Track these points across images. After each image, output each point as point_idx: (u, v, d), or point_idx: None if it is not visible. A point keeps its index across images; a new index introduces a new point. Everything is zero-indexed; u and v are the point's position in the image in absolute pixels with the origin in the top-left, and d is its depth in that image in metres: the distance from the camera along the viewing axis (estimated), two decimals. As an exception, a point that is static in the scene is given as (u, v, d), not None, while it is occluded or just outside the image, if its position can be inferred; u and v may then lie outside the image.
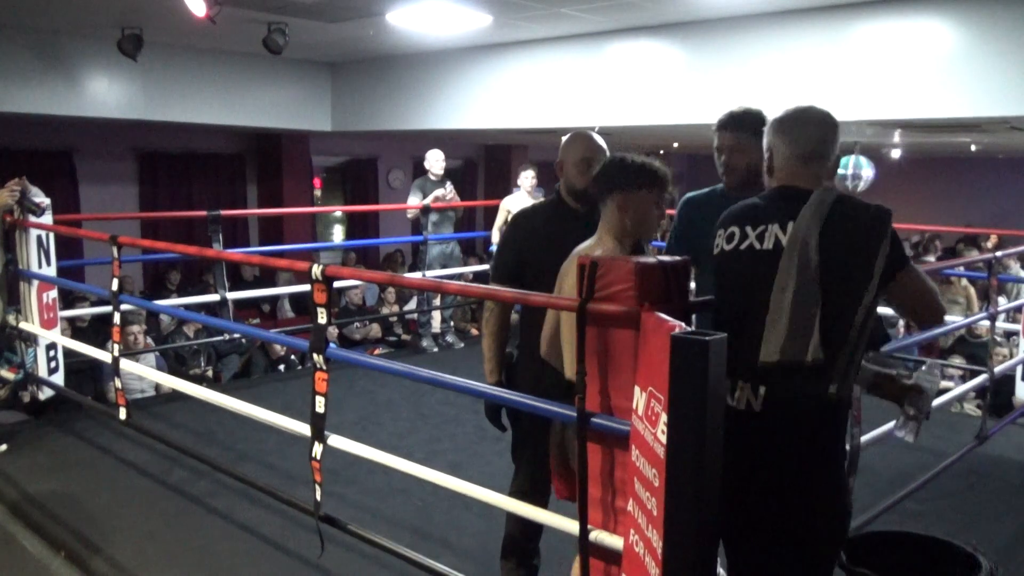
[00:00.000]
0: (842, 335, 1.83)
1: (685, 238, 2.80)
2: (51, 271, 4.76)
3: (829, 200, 1.89)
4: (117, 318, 4.03)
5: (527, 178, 6.72)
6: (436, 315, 7.21)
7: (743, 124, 2.64)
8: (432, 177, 6.82)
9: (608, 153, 2.78)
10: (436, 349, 6.97)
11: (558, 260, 2.51)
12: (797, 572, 1.94)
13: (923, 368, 2.21)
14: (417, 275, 6.74)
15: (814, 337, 1.80)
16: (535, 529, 2.84)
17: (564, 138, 2.85)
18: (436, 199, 6.72)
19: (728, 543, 1.99)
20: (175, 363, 6.76)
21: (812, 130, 2.01)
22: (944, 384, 6.56)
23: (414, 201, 6.77)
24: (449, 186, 6.84)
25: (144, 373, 4.84)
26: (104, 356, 4.30)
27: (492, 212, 11.53)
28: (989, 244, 10.00)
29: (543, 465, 2.78)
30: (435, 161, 6.84)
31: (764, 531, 1.92)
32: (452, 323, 7.50)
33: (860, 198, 1.95)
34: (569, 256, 2.41)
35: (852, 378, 1.88)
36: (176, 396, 4.93)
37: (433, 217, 6.82)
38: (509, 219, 2.96)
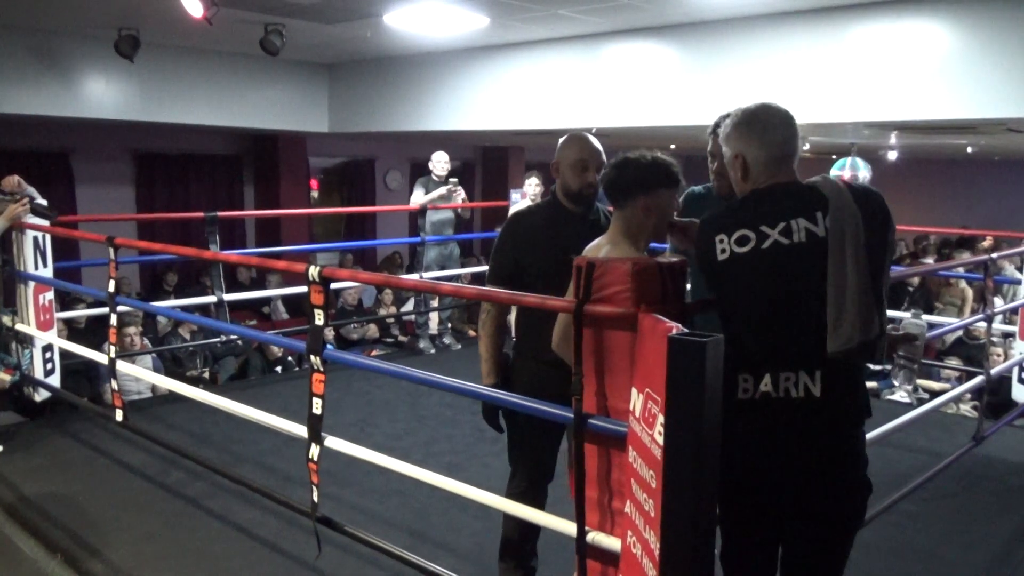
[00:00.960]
0: (883, 308, 1.93)
1: None
2: (47, 272, 4.75)
3: (841, 186, 1.96)
4: (114, 319, 4.03)
5: (531, 185, 6.60)
6: (433, 316, 7.21)
7: None
8: (435, 178, 6.83)
9: (603, 155, 2.78)
10: (433, 350, 6.97)
11: (556, 261, 2.50)
12: (832, 547, 2.03)
13: (908, 317, 2.24)
14: (415, 276, 6.73)
15: (876, 314, 1.90)
16: (532, 530, 2.84)
17: (560, 140, 2.85)
18: (442, 197, 6.73)
19: (764, 527, 2.02)
20: (172, 365, 6.75)
21: (783, 131, 2.05)
22: (941, 385, 6.58)
23: (418, 193, 6.76)
24: (458, 187, 6.83)
25: (140, 375, 4.83)
26: (100, 358, 4.30)
27: (489, 214, 11.58)
28: (985, 245, 10.02)
29: (539, 466, 2.78)
30: (438, 162, 6.85)
31: (816, 510, 1.98)
32: (449, 324, 7.49)
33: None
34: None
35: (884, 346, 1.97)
36: (173, 397, 4.92)
37: (434, 217, 6.82)
38: (502, 229, 2.93)
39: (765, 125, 2.04)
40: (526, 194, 6.65)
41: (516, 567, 2.89)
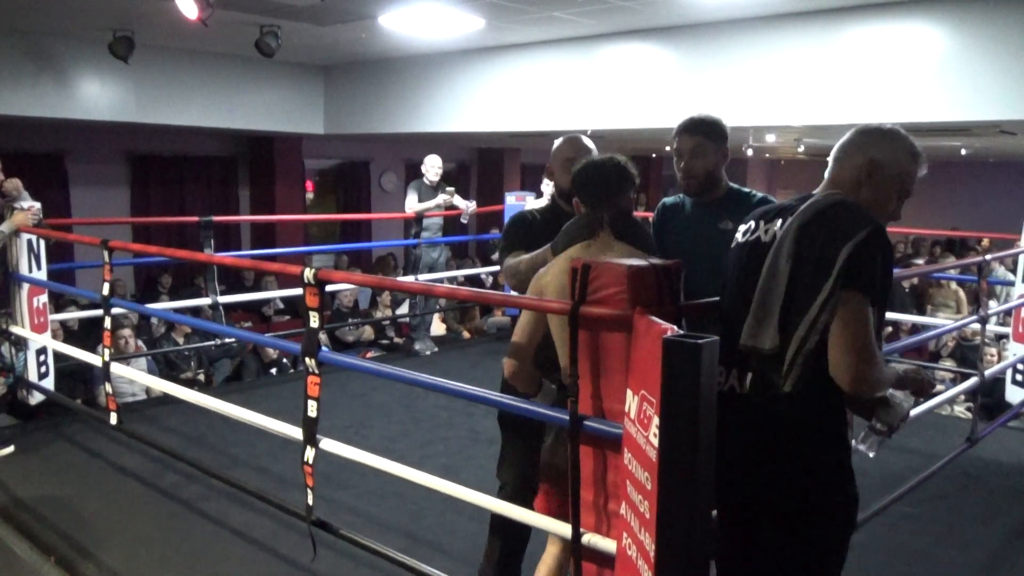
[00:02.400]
0: (794, 327, 1.85)
1: (659, 244, 2.74)
2: (41, 275, 4.74)
3: (827, 202, 1.94)
4: (108, 322, 4.01)
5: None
6: (430, 318, 7.23)
7: (703, 129, 2.64)
8: (427, 182, 6.85)
9: (594, 152, 2.78)
10: (428, 352, 6.97)
11: None
12: (808, 555, 1.94)
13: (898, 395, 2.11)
14: (410, 279, 6.75)
15: (772, 326, 1.87)
16: (519, 545, 2.85)
17: (555, 142, 2.86)
18: (438, 206, 6.77)
19: (729, 528, 2.02)
20: (166, 368, 6.73)
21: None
22: (935, 387, 6.60)
23: (412, 199, 6.79)
24: (458, 199, 6.88)
25: (135, 377, 4.82)
26: (95, 360, 4.28)
27: (484, 217, 11.57)
28: (983, 245, 10.07)
29: (527, 479, 2.75)
30: (431, 167, 6.87)
31: (758, 516, 1.94)
32: (445, 326, 7.51)
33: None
34: (550, 263, 2.39)
35: (805, 373, 1.85)
36: (167, 400, 4.90)
37: (426, 222, 6.86)
38: (507, 221, 2.96)
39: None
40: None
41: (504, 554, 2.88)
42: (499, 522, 2.84)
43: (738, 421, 1.94)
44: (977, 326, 4.40)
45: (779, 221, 1.96)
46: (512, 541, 2.86)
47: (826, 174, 2.06)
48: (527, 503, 2.72)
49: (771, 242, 1.94)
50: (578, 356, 2.04)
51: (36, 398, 4.79)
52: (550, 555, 2.46)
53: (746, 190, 2.74)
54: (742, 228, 2.06)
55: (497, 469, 2.87)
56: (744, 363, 1.95)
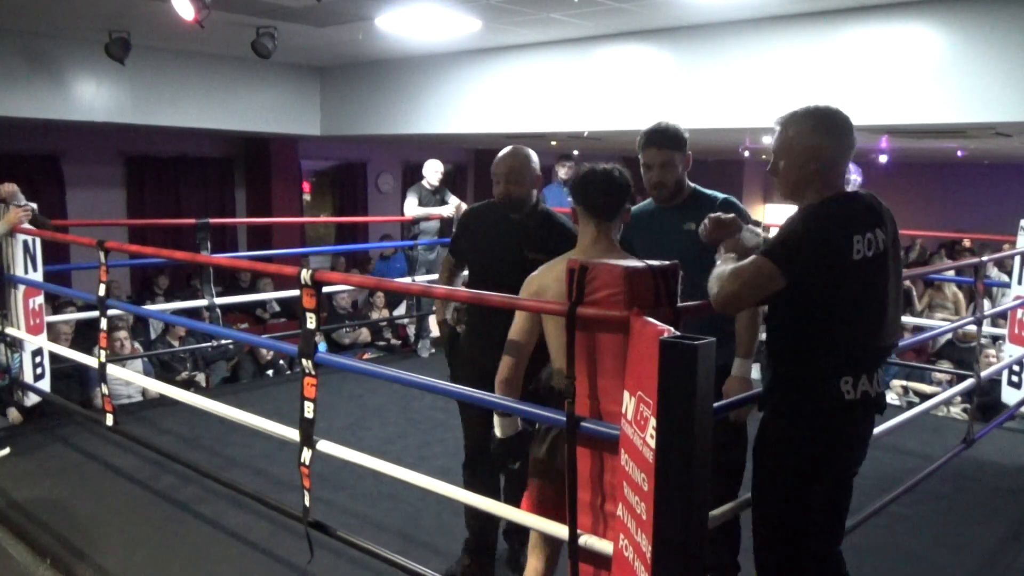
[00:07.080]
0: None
1: (629, 250, 2.81)
2: (37, 276, 4.73)
3: (883, 202, 2.15)
4: (104, 323, 4.01)
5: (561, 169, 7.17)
6: (431, 319, 7.24)
7: (670, 142, 2.74)
8: (427, 186, 6.88)
9: (506, 164, 2.95)
10: (426, 354, 6.98)
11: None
12: None
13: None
14: (407, 280, 6.75)
15: (899, 321, 2.20)
16: (491, 523, 3.05)
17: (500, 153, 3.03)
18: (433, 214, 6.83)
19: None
20: (161, 370, 6.71)
21: (855, 137, 2.14)
22: (932, 388, 6.60)
23: (412, 202, 6.82)
24: (453, 199, 6.94)
25: (131, 378, 4.81)
26: (91, 362, 4.28)
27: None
28: (965, 244, 10.10)
29: (472, 442, 3.03)
30: (432, 171, 6.89)
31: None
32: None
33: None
34: (541, 268, 2.42)
35: None
36: (163, 401, 4.90)
37: (424, 225, 6.89)
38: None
39: (846, 125, 2.12)
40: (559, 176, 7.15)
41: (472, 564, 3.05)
42: (470, 512, 3.05)
43: (867, 428, 2.20)
44: (973, 328, 4.41)
45: (878, 230, 2.07)
46: (484, 530, 3.07)
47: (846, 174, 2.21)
48: (475, 465, 3.02)
49: (883, 250, 2.07)
50: (575, 357, 2.04)
51: (32, 400, 4.78)
52: (534, 558, 2.45)
53: (708, 192, 2.84)
54: (861, 240, 2.03)
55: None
56: (878, 363, 2.14)
